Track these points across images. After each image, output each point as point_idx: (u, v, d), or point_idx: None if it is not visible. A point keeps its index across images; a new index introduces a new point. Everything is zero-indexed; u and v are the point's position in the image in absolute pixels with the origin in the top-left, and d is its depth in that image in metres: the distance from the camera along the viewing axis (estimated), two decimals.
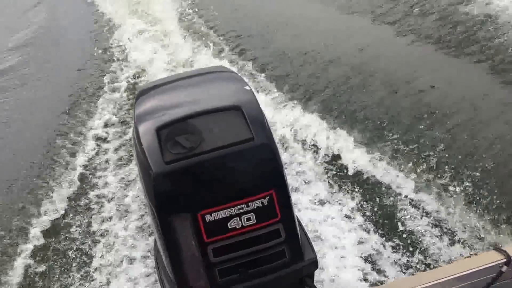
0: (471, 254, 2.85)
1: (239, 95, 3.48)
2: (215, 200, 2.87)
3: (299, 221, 3.23)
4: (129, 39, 9.48)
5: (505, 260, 2.60)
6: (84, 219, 5.18)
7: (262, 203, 2.93)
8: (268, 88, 7.16)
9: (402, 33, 8.09)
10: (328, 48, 8.09)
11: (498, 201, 4.53)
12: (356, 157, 5.39)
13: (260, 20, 9.87)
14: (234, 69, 7.42)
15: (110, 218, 5.12)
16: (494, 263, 2.62)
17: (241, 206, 2.89)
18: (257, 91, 6.90)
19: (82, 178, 5.81)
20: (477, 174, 4.87)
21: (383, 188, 4.99)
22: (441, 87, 6.36)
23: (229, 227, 2.87)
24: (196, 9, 10.97)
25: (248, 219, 2.90)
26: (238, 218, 2.88)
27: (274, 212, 2.96)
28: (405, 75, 6.81)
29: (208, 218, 2.85)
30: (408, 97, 6.31)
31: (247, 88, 3.59)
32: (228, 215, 2.87)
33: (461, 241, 4.26)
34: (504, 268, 2.58)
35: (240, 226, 2.89)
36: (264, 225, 2.93)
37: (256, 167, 3.01)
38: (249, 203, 2.90)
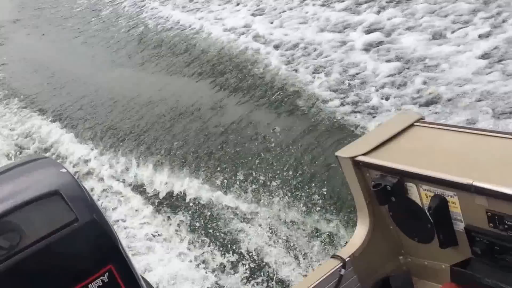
0: (314, 268, 3.08)
1: (56, 180, 3.31)
2: None
3: (149, 284, 3.14)
4: None
5: (341, 264, 2.95)
6: None
7: (102, 281, 2.78)
8: None
9: None
10: None
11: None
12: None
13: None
14: None
15: None
16: (334, 269, 2.95)
17: None
18: None
19: None
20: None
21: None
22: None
23: None
24: None
25: None
26: None
27: (118, 286, 2.83)
28: None
29: None
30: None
31: (63, 170, 3.45)
32: None
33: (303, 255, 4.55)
34: (342, 271, 2.92)
35: None
36: None
37: (87, 246, 2.86)
38: (89, 285, 2.74)
